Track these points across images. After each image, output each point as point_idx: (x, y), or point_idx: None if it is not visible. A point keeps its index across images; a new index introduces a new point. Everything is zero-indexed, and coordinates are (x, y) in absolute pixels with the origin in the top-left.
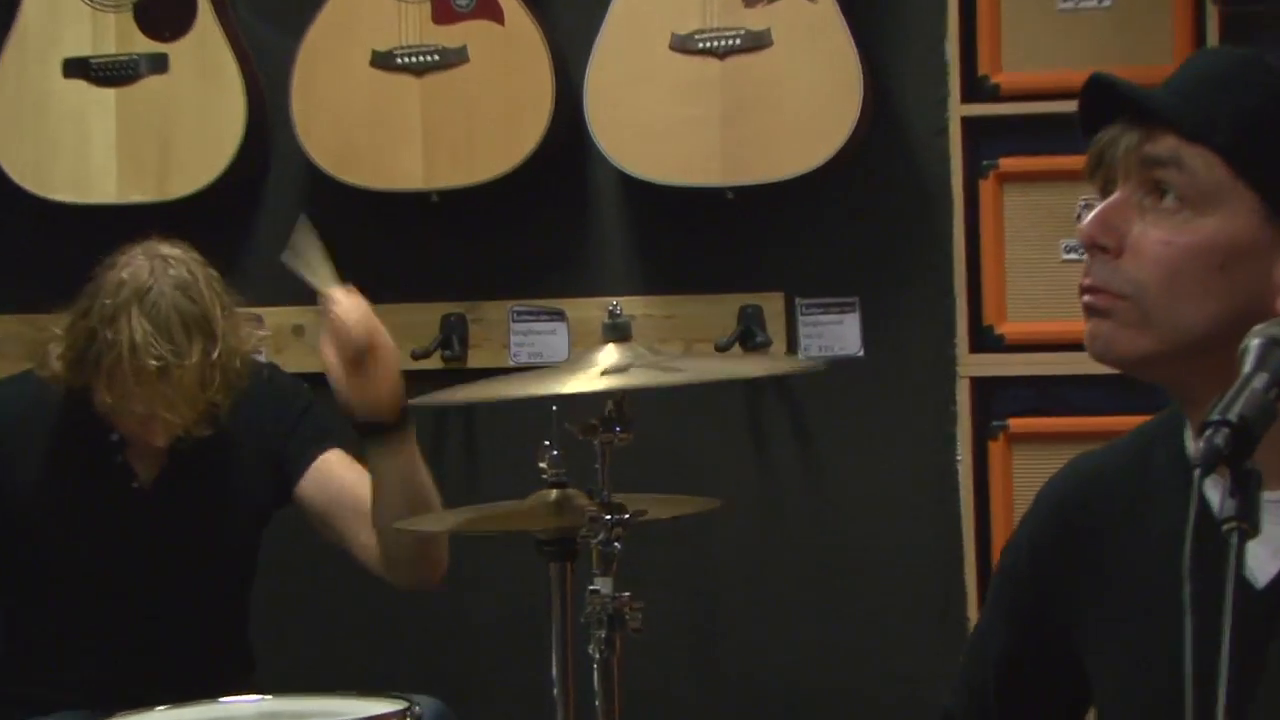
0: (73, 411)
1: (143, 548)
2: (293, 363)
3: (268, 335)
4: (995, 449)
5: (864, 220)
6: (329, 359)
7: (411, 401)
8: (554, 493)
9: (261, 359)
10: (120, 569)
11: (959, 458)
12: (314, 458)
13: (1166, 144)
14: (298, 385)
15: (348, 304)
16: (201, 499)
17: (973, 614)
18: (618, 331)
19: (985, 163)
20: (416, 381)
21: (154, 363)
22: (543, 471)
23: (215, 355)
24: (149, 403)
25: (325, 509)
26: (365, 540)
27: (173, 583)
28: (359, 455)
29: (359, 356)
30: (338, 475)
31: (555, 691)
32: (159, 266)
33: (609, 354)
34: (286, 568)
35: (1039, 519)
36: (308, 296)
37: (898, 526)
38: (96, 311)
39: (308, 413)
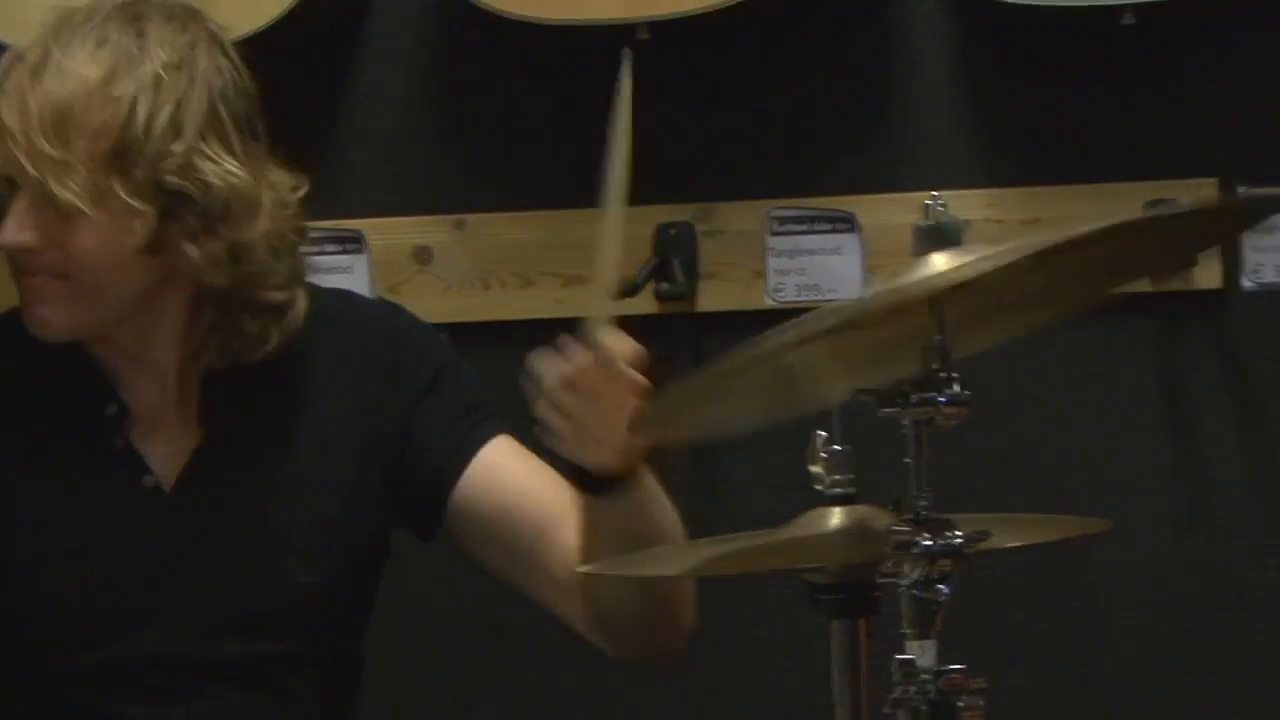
0: (52, 365)
1: (163, 591)
2: (414, 305)
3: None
4: None
5: None
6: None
7: None
8: (836, 513)
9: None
10: (128, 629)
11: None
12: (474, 449)
13: None
14: (428, 332)
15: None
16: (263, 509)
17: None
18: (942, 238)
19: None
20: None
21: (32, 56)
22: (817, 479)
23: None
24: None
25: (497, 527)
26: (559, 574)
27: (222, 657)
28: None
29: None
30: (511, 475)
31: None
32: None
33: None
34: (410, 624)
35: None
36: (432, 204)
37: None
38: None
39: (450, 372)
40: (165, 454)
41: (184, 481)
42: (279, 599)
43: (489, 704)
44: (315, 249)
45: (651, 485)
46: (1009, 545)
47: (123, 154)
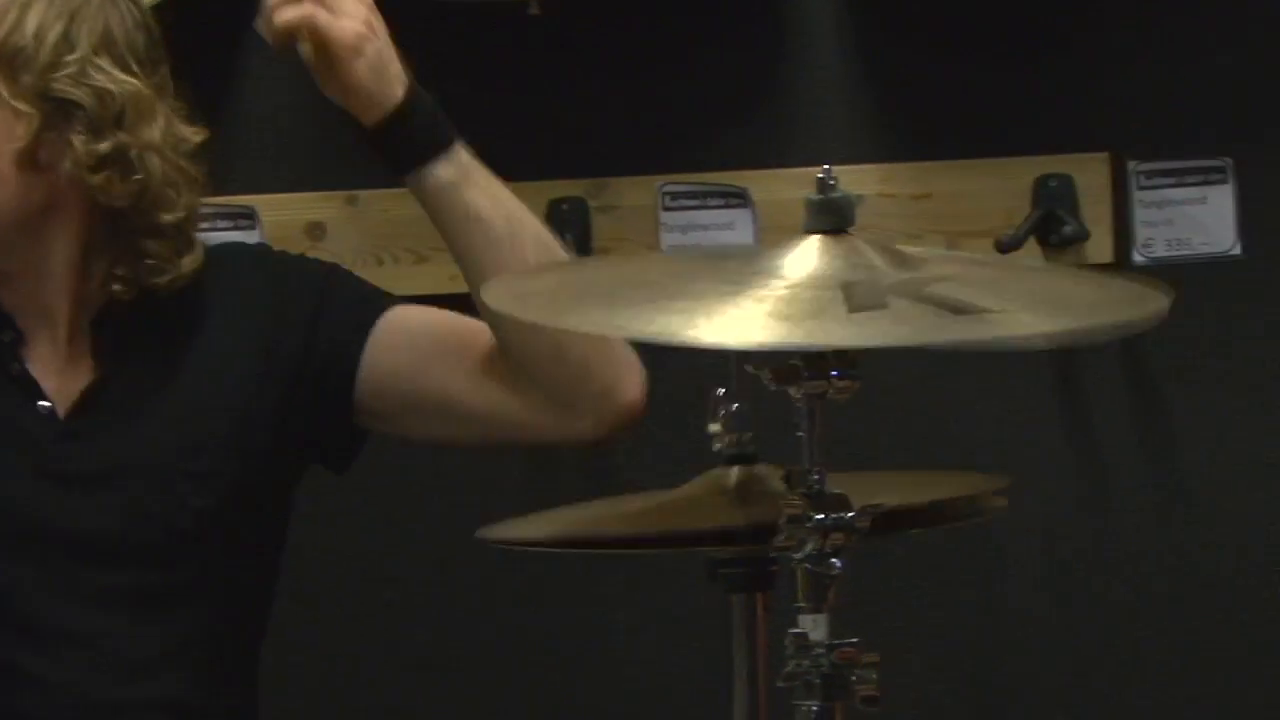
0: None
1: (53, 516)
2: None
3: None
4: None
5: (1239, 32)
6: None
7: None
8: (734, 472)
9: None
10: (12, 551)
11: None
12: (372, 320)
13: None
14: (304, 258)
15: None
16: (155, 436)
17: None
18: (831, 214)
19: None
20: None
21: None
22: (715, 438)
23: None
24: None
25: (411, 376)
26: (480, 372)
27: (111, 600)
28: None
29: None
30: (416, 323)
31: None
32: None
33: (809, 253)
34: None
35: None
36: (325, 180)
37: None
38: None
39: (333, 277)
40: (59, 388)
41: (77, 411)
42: (170, 523)
43: (388, 664)
44: (208, 225)
45: (468, 166)
46: (913, 503)
47: (10, 59)
